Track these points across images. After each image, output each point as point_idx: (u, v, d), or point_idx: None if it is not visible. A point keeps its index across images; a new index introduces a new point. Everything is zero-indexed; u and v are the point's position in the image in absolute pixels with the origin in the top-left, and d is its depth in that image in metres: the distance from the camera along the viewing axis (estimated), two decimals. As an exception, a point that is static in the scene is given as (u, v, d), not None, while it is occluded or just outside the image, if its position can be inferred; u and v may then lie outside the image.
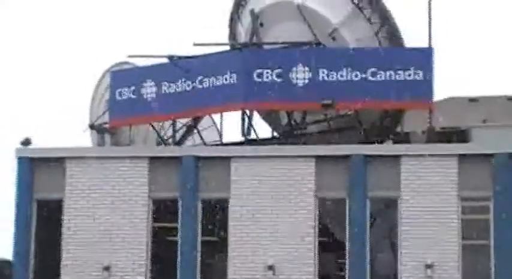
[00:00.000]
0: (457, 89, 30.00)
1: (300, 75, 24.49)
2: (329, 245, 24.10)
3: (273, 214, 23.65)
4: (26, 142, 24.59)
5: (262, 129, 27.79)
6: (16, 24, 72.67)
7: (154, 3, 65.28)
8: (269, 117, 27.51)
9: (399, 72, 24.03)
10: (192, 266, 23.73)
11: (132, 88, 26.24)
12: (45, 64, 64.51)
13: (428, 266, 22.45)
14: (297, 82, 24.47)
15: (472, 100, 27.34)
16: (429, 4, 25.59)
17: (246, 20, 27.72)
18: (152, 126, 26.96)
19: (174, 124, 26.46)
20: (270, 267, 23.04)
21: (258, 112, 27.10)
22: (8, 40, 71.78)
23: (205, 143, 27.25)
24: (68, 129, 33.23)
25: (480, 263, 23.00)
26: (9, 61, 70.65)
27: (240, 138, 26.27)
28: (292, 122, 26.38)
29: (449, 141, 24.29)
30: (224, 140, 26.72)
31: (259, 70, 24.59)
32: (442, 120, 25.53)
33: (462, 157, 22.87)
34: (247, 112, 25.93)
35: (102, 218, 24.22)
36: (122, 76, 26.86)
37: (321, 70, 24.29)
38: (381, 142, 25.63)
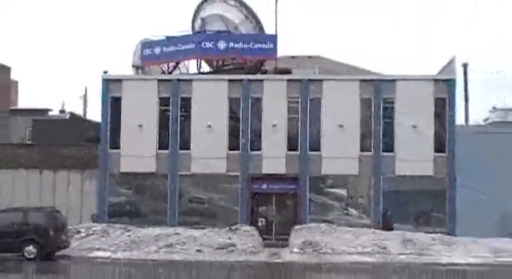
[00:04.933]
0: (285, 52, 42.85)
1: (221, 44, 39.18)
2: (234, 118, 37.77)
3: (210, 103, 37.60)
4: (105, 72, 39.52)
5: (205, 68, 41.93)
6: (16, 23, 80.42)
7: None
8: (208, 62, 42.01)
9: (264, 44, 39.10)
10: (176, 127, 37.63)
11: (150, 49, 40.62)
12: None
13: (274, 125, 37.79)
14: (220, 47, 39.14)
15: (292, 57, 42.20)
16: (275, 13, 40.18)
17: (199, 20, 42.49)
18: (159, 66, 41.48)
19: (167, 65, 40.91)
20: (209, 126, 37.36)
21: (204, 60, 41.33)
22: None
23: (181, 73, 41.23)
24: (123, 66, 50.25)
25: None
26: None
27: (195, 71, 40.54)
28: (219, 65, 41.19)
29: (283, 73, 38.86)
30: (190, 72, 40.91)
31: (205, 42, 39.19)
32: (281, 64, 39.93)
33: (289, 80, 37.46)
34: (199, 60, 40.43)
35: (137, 105, 37.84)
36: (146, 44, 41.03)
37: (230, 43, 39.12)
38: (255, 73, 39.68)
